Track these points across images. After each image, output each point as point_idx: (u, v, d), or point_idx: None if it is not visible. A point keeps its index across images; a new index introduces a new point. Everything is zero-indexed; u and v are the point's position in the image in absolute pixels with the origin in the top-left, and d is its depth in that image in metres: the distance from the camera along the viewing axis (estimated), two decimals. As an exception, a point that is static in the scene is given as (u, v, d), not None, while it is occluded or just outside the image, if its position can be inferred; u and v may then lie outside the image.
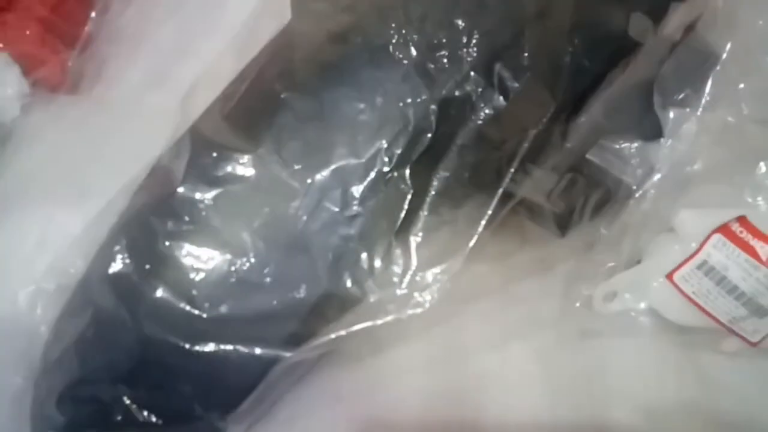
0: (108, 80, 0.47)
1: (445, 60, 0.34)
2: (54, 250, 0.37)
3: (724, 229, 0.34)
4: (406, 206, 0.33)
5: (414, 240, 0.33)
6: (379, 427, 0.36)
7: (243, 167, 0.34)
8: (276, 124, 0.34)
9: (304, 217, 0.33)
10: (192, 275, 0.32)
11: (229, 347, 0.32)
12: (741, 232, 0.33)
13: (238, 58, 0.37)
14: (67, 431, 0.32)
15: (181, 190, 0.33)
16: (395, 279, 0.33)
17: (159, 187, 0.34)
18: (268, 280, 0.32)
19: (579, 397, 0.36)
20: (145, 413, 0.32)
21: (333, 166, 0.33)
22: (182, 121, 0.37)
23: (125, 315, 0.32)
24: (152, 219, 0.33)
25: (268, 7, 0.40)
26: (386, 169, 0.33)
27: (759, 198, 0.34)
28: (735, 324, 0.34)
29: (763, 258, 0.33)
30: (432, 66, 0.34)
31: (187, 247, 0.33)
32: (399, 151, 0.33)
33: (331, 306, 0.33)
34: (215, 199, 0.33)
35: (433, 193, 0.34)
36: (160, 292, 0.32)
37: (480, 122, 0.34)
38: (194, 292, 0.32)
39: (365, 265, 0.33)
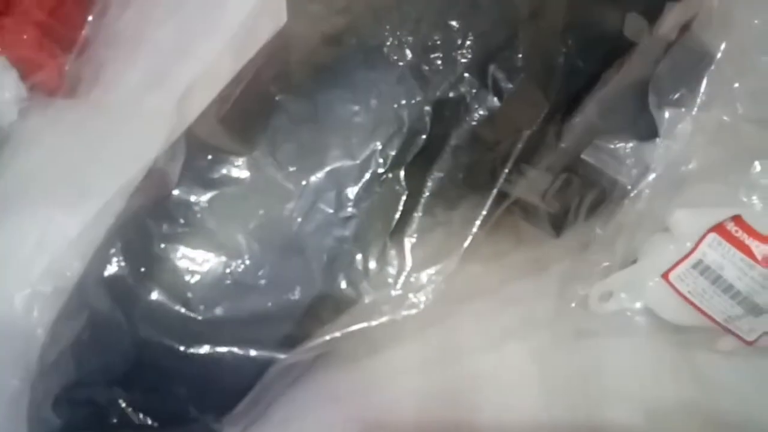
0: (106, 83, 0.47)
1: (439, 61, 0.34)
2: (52, 253, 0.37)
3: (719, 228, 0.34)
4: (400, 207, 0.33)
5: (408, 241, 0.33)
6: (375, 428, 0.36)
7: (238, 169, 0.34)
8: (271, 127, 0.34)
9: (299, 219, 0.33)
10: (187, 277, 0.32)
11: (224, 349, 0.32)
12: (736, 231, 0.33)
13: (235, 59, 0.38)
14: (64, 434, 0.32)
15: (176, 192, 0.33)
16: (390, 280, 0.33)
17: (154, 189, 0.35)
18: (262, 281, 0.32)
19: (575, 397, 0.36)
20: (141, 416, 0.32)
21: (327, 168, 0.33)
22: (178, 123, 0.37)
23: (121, 318, 0.32)
24: (147, 221, 0.33)
25: (264, 9, 0.40)
26: (381, 170, 0.33)
27: (754, 197, 0.34)
28: (731, 323, 0.34)
29: (759, 257, 0.33)
30: (426, 67, 0.34)
31: (182, 250, 0.33)
32: (393, 153, 0.33)
33: (325, 307, 0.33)
34: (210, 201, 0.33)
35: (427, 194, 0.34)
36: (155, 295, 0.32)
37: (474, 123, 0.34)
38: (189, 294, 0.32)
39: (360, 266, 0.33)
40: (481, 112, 0.34)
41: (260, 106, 0.35)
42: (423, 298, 0.33)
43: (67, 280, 0.35)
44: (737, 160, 0.35)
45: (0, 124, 0.44)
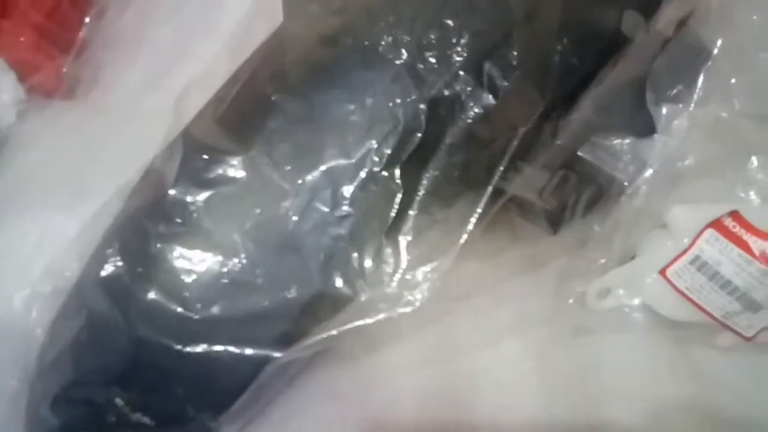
0: (105, 85, 0.47)
1: (435, 60, 0.34)
2: (51, 253, 0.37)
3: (716, 224, 0.34)
4: (396, 206, 0.33)
5: (404, 239, 0.34)
6: (373, 426, 0.36)
7: (234, 169, 0.34)
8: (267, 126, 0.34)
9: (295, 218, 0.33)
10: (184, 277, 0.32)
11: (221, 348, 0.32)
12: (734, 226, 0.33)
13: (231, 59, 0.38)
14: (62, 434, 0.32)
15: (172, 192, 0.34)
16: (386, 278, 0.33)
17: (151, 190, 0.35)
18: (259, 280, 0.33)
19: (573, 394, 0.36)
20: (139, 415, 0.32)
21: (323, 167, 0.33)
22: (175, 123, 0.37)
23: (118, 317, 0.32)
24: (144, 222, 0.33)
25: (261, 9, 0.40)
26: (376, 169, 0.33)
27: (751, 192, 0.34)
28: (729, 319, 0.34)
29: (756, 252, 0.33)
30: (422, 66, 0.34)
31: (179, 249, 0.33)
32: (389, 151, 0.33)
33: (322, 306, 0.33)
34: (207, 201, 0.33)
35: (423, 192, 0.34)
36: (152, 294, 0.32)
37: (470, 121, 0.34)
38: (186, 293, 0.32)
39: (356, 264, 0.33)
40: (477, 110, 0.34)
41: (257, 106, 0.35)
42: (419, 296, 0.33)
43: (66, 280, 0.35)
44: (734, 155, 0.35)
45: (-1, 126, 0.44)
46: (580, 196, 0.37)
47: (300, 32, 0.37)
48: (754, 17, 0.37)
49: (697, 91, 0.36)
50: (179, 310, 0.32)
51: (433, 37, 0.34)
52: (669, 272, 0.35)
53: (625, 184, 0.36)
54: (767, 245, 0.32)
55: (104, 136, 0.44)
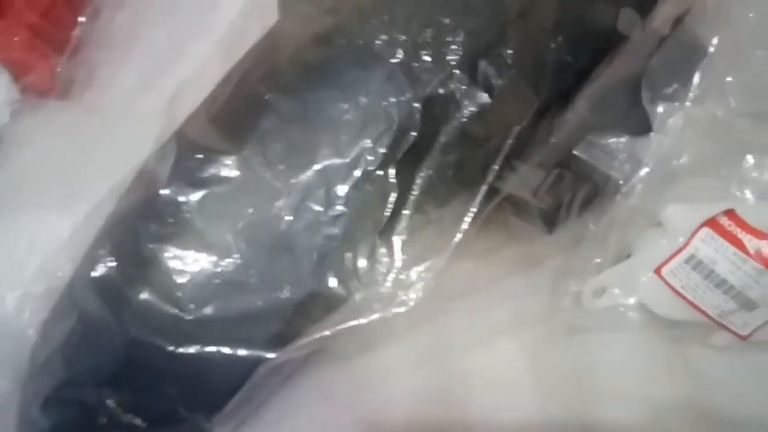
0: (99, 85, 0.47)
1: (429, 58, 0.34)
2: (44, 254, 0.37)
3: (712, 222, 0.34)
4: (390, 205, 0.33)
5: (398, 238, 0.33)
6: (367, 426, 0.36)
7: (228, 169, 0.34)
8: (260, 126, 0.34)
9: (289, 218, 0.33)
10: (176, 277, 0.32)
11: (214, 349, 0.32)
12: (729, 225, 0.33)
13: (225, 59, 0.38)
14: (53, 435, 0.32)
15: (165, 192, 0.33)
16: (380, 278, 0.33)
17: (144, 190, 0.35)
18: (252, 280, 0.32)
19: (568, 394, 0.36)
20: (130, 416, 0.32)
21: (317, 166, 0.33)
22: (169, 123, 0.37)
23: (110, 318, 0.32)
24: (137, 222, 0.33)
25: (255, 9, 0.40)
26: (370, 168, 0.33)
27: (747, 191, 0.34)
28: (724, 318, 0.34)
29: (752, 251, 0.33)
30: (416, 65, 0.34)
31: (172, 250, 0.33)
32: (383, 150, 0.33)
33: (315, 306, 0.33)
34: (200, 201, 0.33)
35: (417, 191, 0.34)
36: (144, 295, 0.32)
37: (464, 120, 0.34)
38: (179, 294, 0.32)
39: (350, 264, 0.33)
40: (472, 109, 0.34)
41: (250, 105, 0.35)
42: (413, 296, 0.33)
43: (58, 280, 0.35)
44: (730, 154, 0.35)
45: (-8, 126, 0.44)
46: (575, 194, 0.37)
47: (293, 32, 0.37)
48: (750, 15, 0.37)
49: (693, 89, 0.36)
50: (172, 310, 0.32)
51: (427, 35, 0.34)
52: (664, 271, 0.35)
53: (621, 182, 0.36)
54: (762, 244, 0.32)
55: (98, 137, 0.44)
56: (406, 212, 0.33)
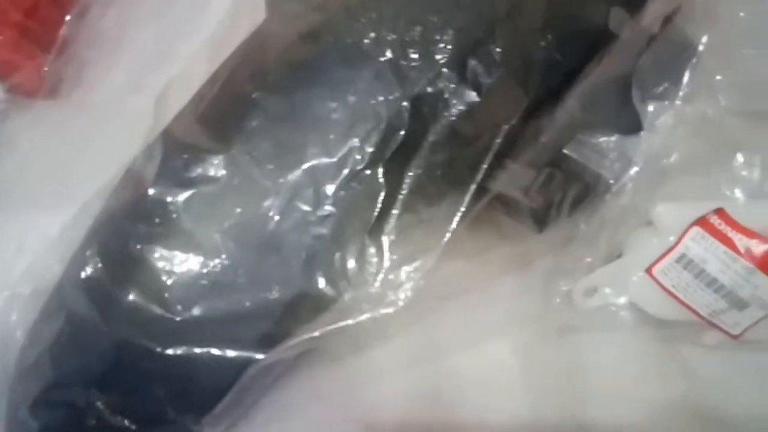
0: (88, 84, 0.47)
1: (418, 57, 0.34)
2: (33, 255, 0.37)
3: (702, 221, 0.33)
4: (379, 204, 0.33)
5: (387, 238, 0.33)
6: (359, 427, 0.36)
7: (215, 168, 0.33)
8: (248, 125, 0.34)
9: (277, 217, 0.33)
10: (164, 278, 0.32)
11: (203, 350, 0.32)
12: (719, 224, 0.33)
13: (212, 58, 0.37)
14: (41, 436, 0.32)
15: (152, 192, 0.33)
16: (369, 278, 0.33)
17: (131, 190, 0.34)
18: (240, 281, 0.32)
19: (560, 393, 0.36)
20: (119, 417, 0.32)
21: (305, 166, 0.33)
22: (156, 123, 0.36)
23: (98, 319, 0.32)
24: (124, 222, 0.33)
25: (242, 7, 0.39)
26: (359, 167, 0.33)
27: (737, 190, 0.34)
28: (715, 317, 0.34)
29: (742, 250, 0.33)
30: (404, 63, 0.34)
31: (159, 250, 0.32)
32: (371, 149, 0.33)
33: (304, 306, 0.33)
34: (187, 200, 0.33)
35: (406, 190, 0.34)
36: (132, 296, 0.32)
37: (453, 118, 0.34)
38: (166, 294, 0.32)
39: (338, 264, 0.33)
40: (460, 108, 0.34)
41: (237, 104, 0.35)
42: (402, 296, 0.32)
43: (46, 282, 0.35)
44: (720, 152, 0.35)
45: (-21, 127, 0.43)
46: (565, 194, 0.37)
47: (280, 30, 0.37)
48: (740, 14, 0.37)
49: (683, 87, 0.36)
50: (160, 311, 0.32)
51: (416, 33, 0.34)
52: (655, 270, 0.35)
53: (611, 181, 0.36)
54: (752, 243, 0.32)
55: (88, 136, 0.44)
56: (395, 212, 0.33)
